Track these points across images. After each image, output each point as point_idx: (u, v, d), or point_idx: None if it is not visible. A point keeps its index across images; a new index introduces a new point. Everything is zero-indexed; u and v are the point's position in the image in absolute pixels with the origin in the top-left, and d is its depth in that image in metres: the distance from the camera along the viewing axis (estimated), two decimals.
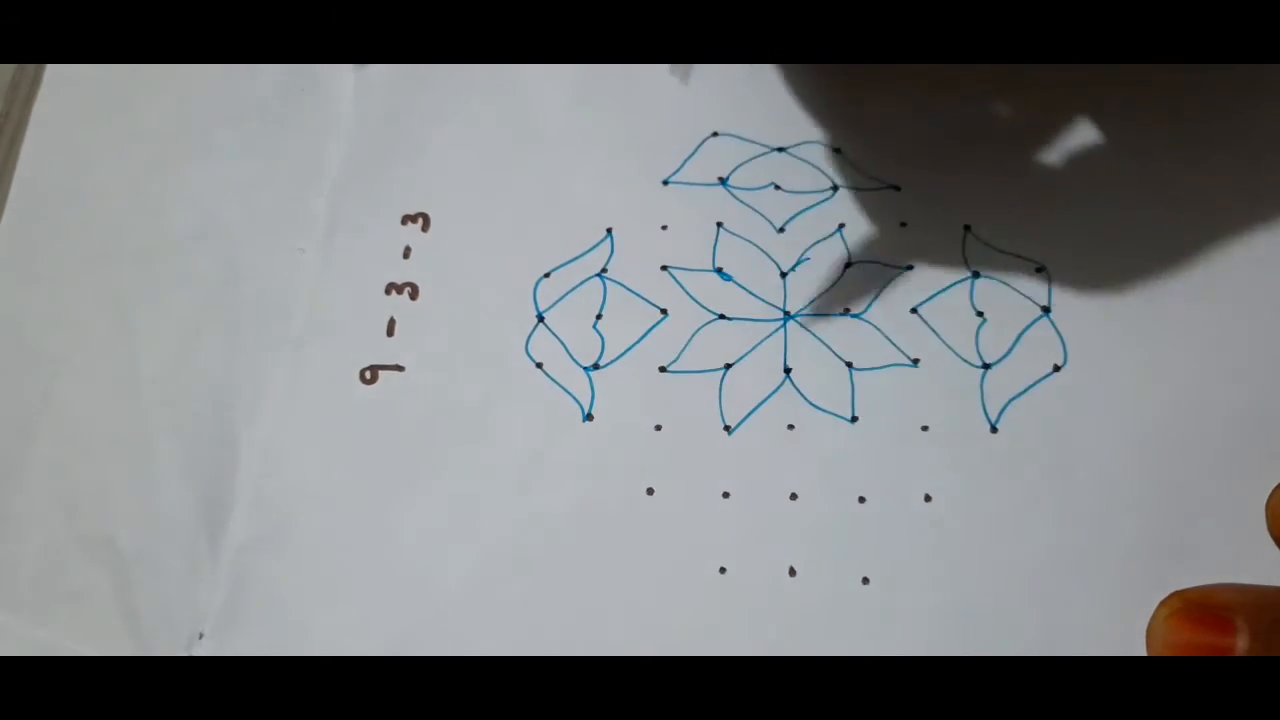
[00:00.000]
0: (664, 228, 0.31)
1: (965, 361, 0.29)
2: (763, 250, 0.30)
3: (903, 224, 0.30)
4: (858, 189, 0.31)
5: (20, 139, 0.33)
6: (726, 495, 0.28)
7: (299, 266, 0.31)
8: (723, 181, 0.31)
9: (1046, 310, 0.29)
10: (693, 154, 0.32)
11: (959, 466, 0.28)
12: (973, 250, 0.30)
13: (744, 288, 0.30)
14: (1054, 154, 0.31)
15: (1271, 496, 0.26)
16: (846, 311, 0.30)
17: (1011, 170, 0.31)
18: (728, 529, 0.28)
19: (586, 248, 0.31)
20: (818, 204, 0.31)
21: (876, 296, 0.30)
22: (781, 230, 0.31)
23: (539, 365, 0.30)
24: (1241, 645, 0.23)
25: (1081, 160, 0.31)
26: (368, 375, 0.30)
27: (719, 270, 0.30)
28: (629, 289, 0.30)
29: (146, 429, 0.30)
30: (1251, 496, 0.27)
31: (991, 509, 0.27)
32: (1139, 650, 0.24)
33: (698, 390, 0.29)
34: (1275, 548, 0.26)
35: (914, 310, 0.29)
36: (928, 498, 0.27)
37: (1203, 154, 0.30)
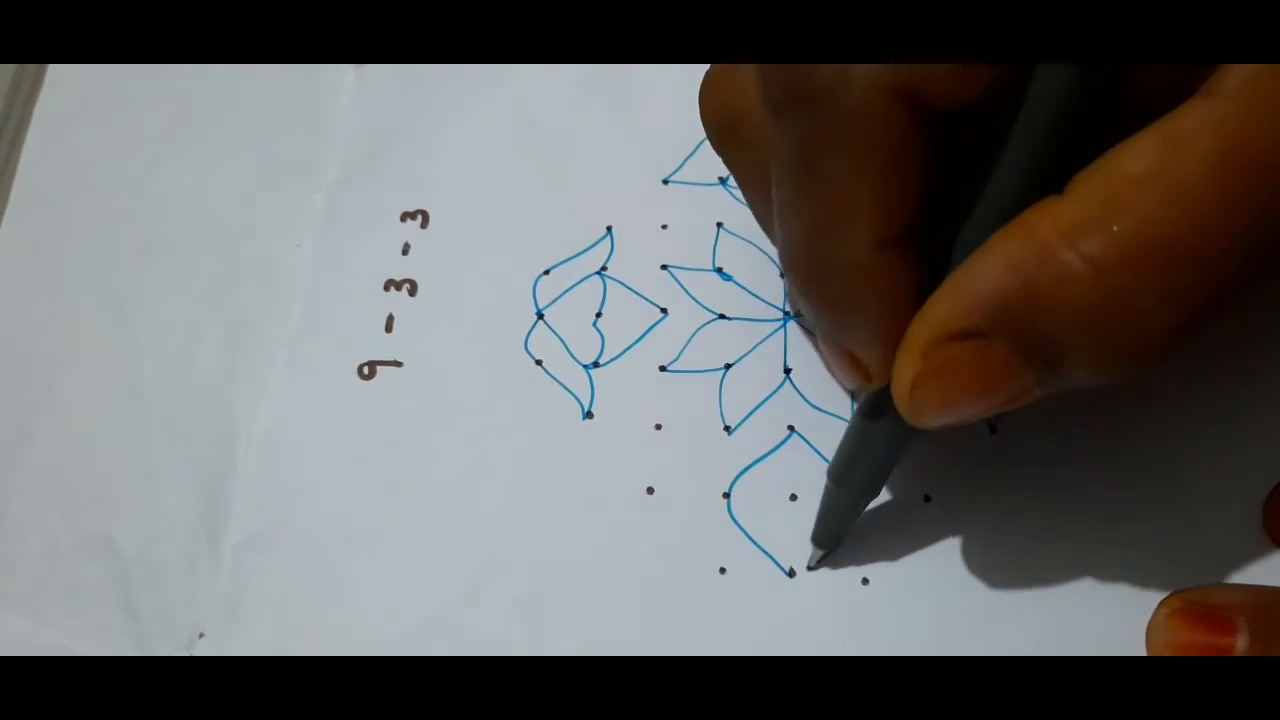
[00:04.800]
0: (664, 227, 0.31)
1: None
2: (763, 250, 0.30)
3: None
4: None
5: (22, 139, 0.33)
6: (726, 495, 0.28)
7: (297, 262, 0.31)
8: (723, 181, 0.31)
9: None
10: (693, 153, 0.32)
11: (958, 467, 0.27)
12: None
13: (744, 288, 0.30)
14: None
15: (1269, 497, 0.26)
16: None
17: None
18: (727, 529, 0.28)
19: (586, 246, 0.31)
20: None
21: None
22: None
23: (538, 362, 0.30)
24: (1241, 645, 0.23)
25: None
26: (366, 371, 0.30)
27: (719, 270, 0.30)
28: (629, 288, 0.30)
29: (146, 428, 0.30)
30: (1251, 496, 0.27)
31: (991, 509, 0.27)
32: (1139, 650, 0.24)
33: (698, 390, 0.29)
34: (1275, 548, 0.26)
35: None
36: (927, 498, 0.27)
37: None
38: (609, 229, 0.31)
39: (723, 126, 0.24)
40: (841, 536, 0.27)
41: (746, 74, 0.23)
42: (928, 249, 0.21)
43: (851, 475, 0.25)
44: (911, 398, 0.21)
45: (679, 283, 0.30)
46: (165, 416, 0.30)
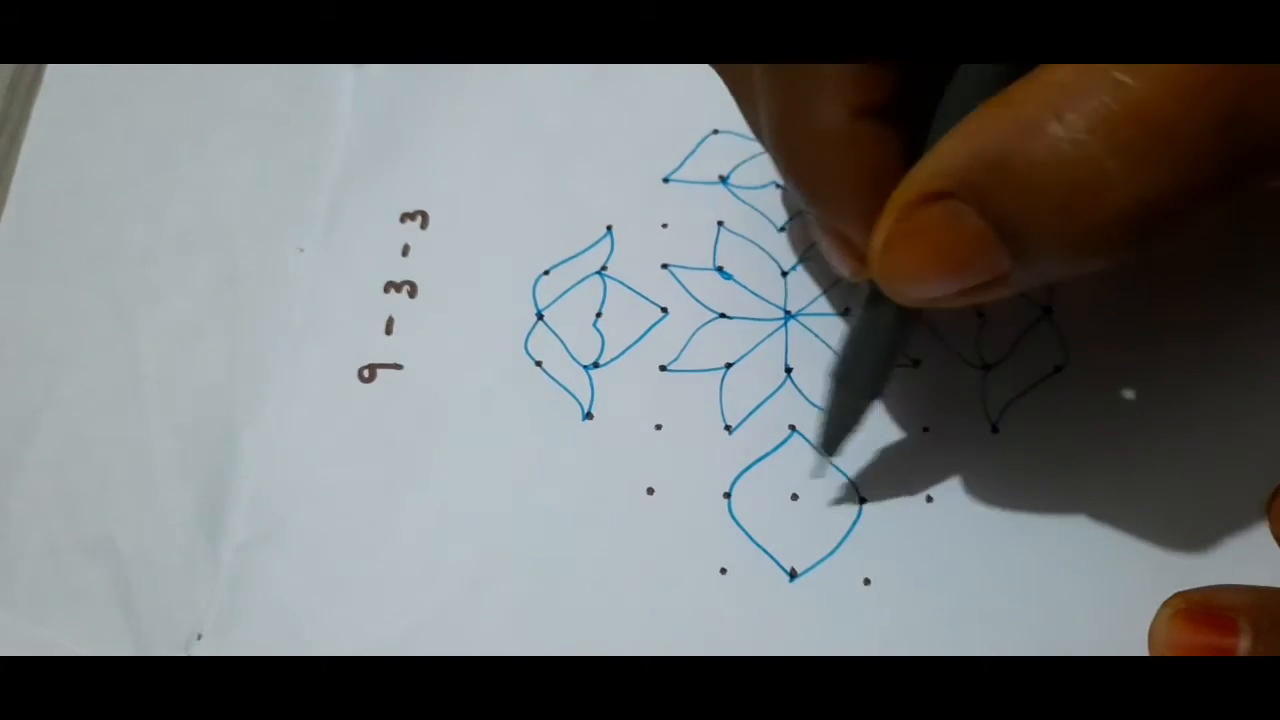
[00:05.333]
0: (664, 226, 0.31)
1: (966, 362, 0.29)
2: (763, 249, 0.30)
3: None
4: None
5: (20, 138, 0.33)
6: (727, 495, 0.28)
7: (298, 265, 0.31)
8: (723, 180, 0.31)
9: (1048, 311, 0.29)
10: (693, 152, 0.32)
11: (960, 467, 0.27)
12: None
13: (745, 287, 0.30)
14: None
15: (1271, 497, 0.26)
16: (848, 311, 0.30)
17: None
18: (728, 529, 0.28)
19: (586, 245, 0.31)
20: None
21: None
22: (782, 229, 0.31)
23: (538, 363, 0.30)
24: (1244, 646, 0.23)
25: None
26: (366, 374, 0.30)
27: (719, 269, 0.30)
28: (629, 287, 0.30)
29: (146, 429, 0.30)
30: (1252, 496, 0.27)
31: (992, 510, 0.27)
32: (1140, 650, 0.24)
33: (698, 389, 0.29)
34: (1276, 548, 0.26)
35: None
36: (929, 498, 0.27)
37: None
38: (609, 228, 0.31)
39: None
40: (843, 442, 0.27)
41: None
42: (914, 127, 0.22)
43: (853, 373, 0.25)
44: (882, 259, 0.21)
45: (679, 282, 0.30)
46: (165, 417, 0.30)
